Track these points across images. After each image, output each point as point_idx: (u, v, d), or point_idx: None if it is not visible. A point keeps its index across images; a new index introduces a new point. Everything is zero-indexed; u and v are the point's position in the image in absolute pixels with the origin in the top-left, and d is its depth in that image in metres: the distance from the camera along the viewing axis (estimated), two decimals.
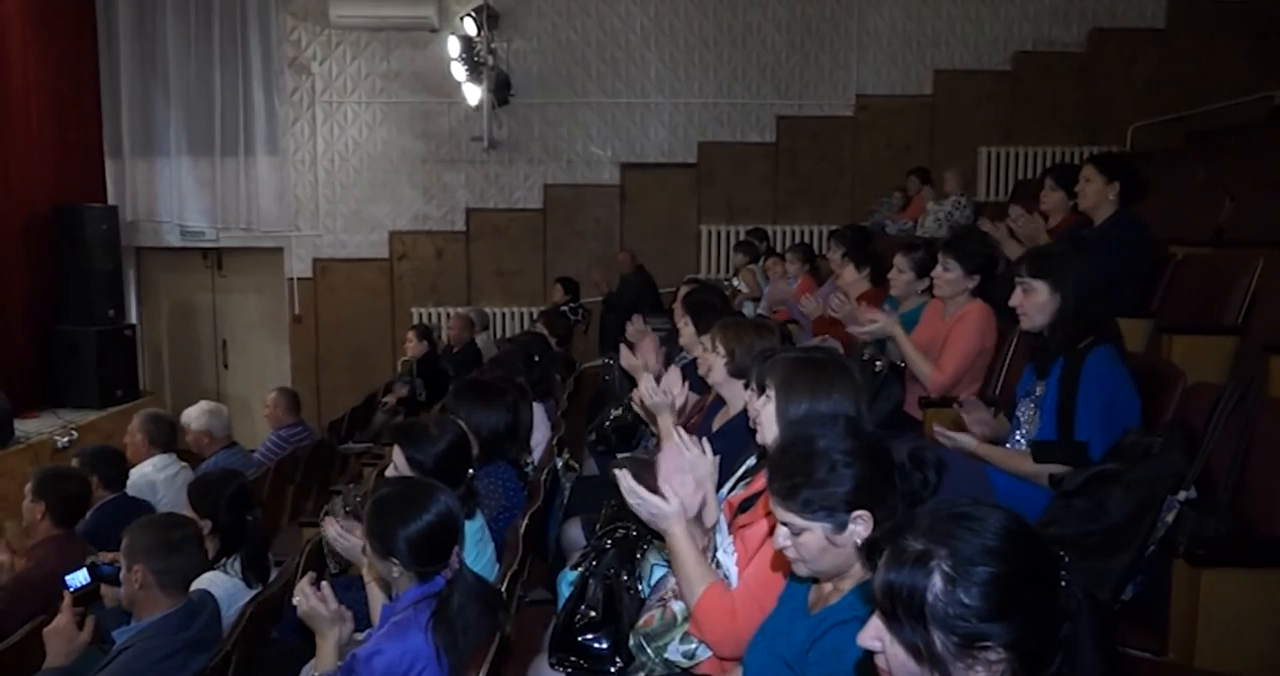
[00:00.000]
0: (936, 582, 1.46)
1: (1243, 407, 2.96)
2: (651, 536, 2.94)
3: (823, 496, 2.00)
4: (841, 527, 2.01)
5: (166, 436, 5.79)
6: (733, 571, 2.63)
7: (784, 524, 2.05)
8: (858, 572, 2.05)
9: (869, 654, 1.58)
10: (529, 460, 4.41)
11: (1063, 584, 1.50)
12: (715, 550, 2.74)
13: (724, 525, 2.75)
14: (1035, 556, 1.50)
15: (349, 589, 3.78)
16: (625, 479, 2.65)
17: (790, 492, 2.03)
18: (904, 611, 1.49)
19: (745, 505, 2.70)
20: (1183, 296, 4.51)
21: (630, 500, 2.64)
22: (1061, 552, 1.54)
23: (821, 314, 5.76)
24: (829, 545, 2.02)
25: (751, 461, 2.99)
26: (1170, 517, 2.80)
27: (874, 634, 1.55)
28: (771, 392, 2.62)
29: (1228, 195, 5.56)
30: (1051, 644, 1.48)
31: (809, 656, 2.03)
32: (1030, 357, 3.61)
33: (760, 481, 2.75)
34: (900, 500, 2.04)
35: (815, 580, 2.16)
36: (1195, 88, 10.48)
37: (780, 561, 2.27)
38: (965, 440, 3.51)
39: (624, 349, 5.94)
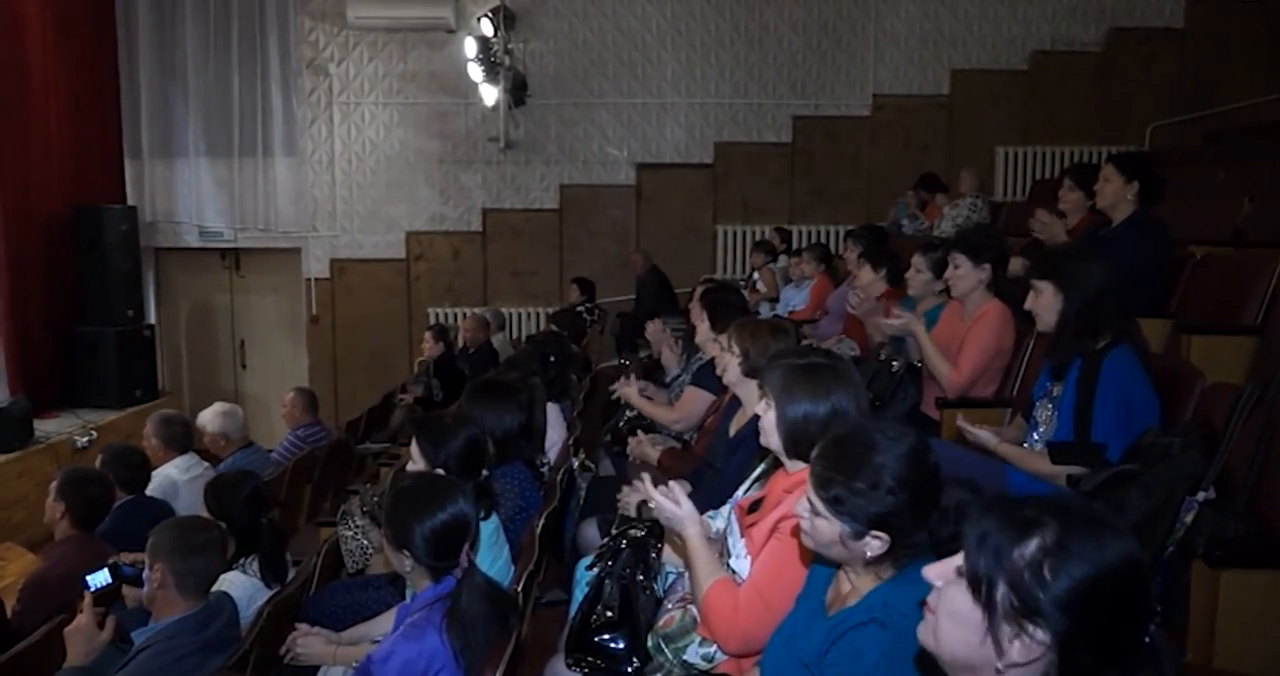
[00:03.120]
0: (1031, 544, 1.43)
1: (1262, 408, 2.95)
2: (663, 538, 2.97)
3: (853, 504, 1.98)
4: (858, 536, 1.99)
5: (181, 437, 5.79)
6: (746, 575, 2.63)
7: (809, 499, 2.05)
8: (877, 574, 2.05)
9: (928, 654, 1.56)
10: (544, 460, 4.41)
11: (1147, 639, 1.46)
12: (729, 556, 2.74)
13: (735, 528, 2.76)
14: (1135, 593, 1.46)
15: (365, 588, 3.81)
16: (646, 483, 2.77)
17: (824, 484, 2.01)
18: (988, 549, 1.46)
19: (753, 508, 2.71)
20: (1201, 296, 4.50)
21: (650, 504, 2.73)
22: (1159, 608, 1.51)
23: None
24: (839, 542, 2.02)
25: (764, 467, 2.99)
26: (1189, 518, 2.79)
27: (939, 573, 1.53)
28: (771, 399, 2.62)
29: (1247, 195, 5.54)
30: (1102, 669, 1.46)
31: (827, 657, 2.02)
32: (1047, 357, 3.61)
33: (770, 486, 2.75)
34: (925, 537, 2.02)
35: (838, 567, 2.15)
36: (1214, 87, 10.43)
37: (803, 552, 2.28)
38: (986, 436, 3.51)
39: (649, 324, 6.06)
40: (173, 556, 3.31)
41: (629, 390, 5.43)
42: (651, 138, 11.31)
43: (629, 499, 3.77)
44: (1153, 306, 4.39)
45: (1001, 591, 1.45)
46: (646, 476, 2.80)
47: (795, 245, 10.20)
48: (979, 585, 1.46)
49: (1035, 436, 3.53)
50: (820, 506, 2.02)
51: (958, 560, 1.51)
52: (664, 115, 11.29)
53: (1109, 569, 1.42)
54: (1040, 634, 1.43)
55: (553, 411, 5.20)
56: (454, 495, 2.90)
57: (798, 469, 2.56)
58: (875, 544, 1.99)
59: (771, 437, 2.64)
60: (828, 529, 2.02)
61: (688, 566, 2.69)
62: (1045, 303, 3.48)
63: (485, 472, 3.70)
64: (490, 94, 10.63)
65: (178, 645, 3.24)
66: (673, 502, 2.68)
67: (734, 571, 2.68)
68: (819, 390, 2.57)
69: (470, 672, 2.67)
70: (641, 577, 2.88)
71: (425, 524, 2.80)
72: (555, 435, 5.00)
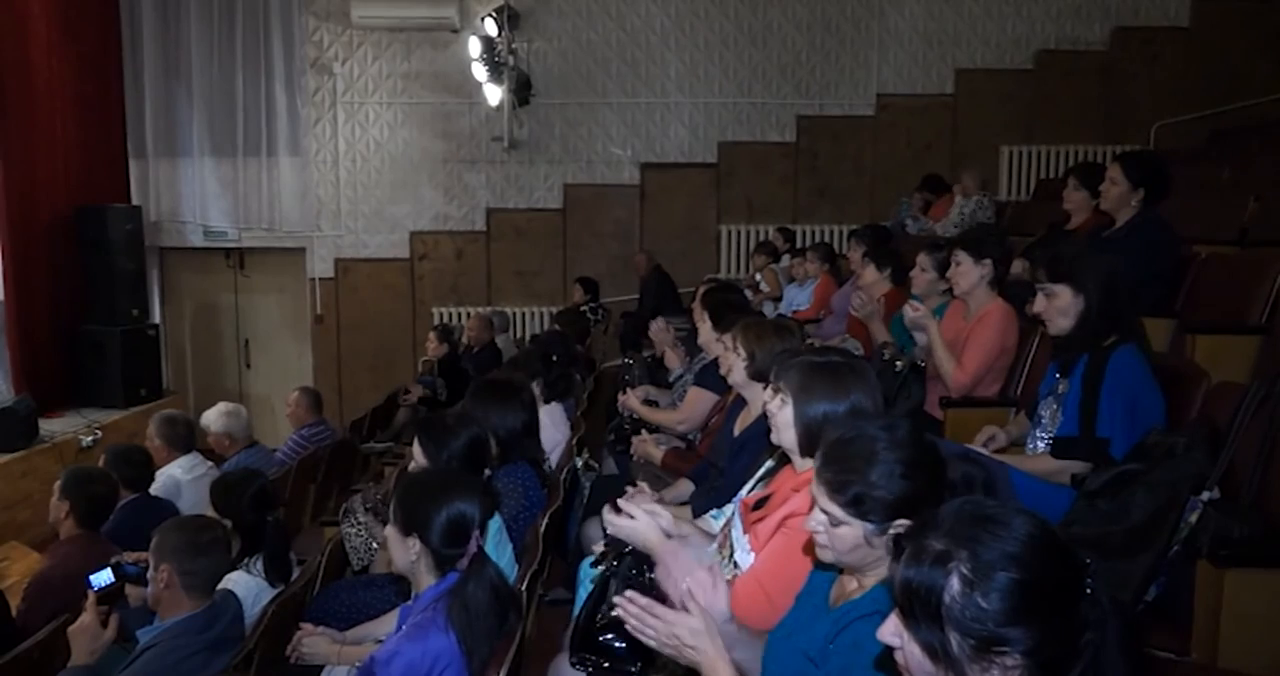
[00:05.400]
0: (954, 584, 1.45)
1: (1266, 407, 2.94)
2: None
3: (873, 500, 1.99)
4: (882, 532, 2.00)
5: (184, 437, 5.79)
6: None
7: (824, 511, 2.04)
8: (881, 569, 2.05)
9: (889, 649, 1.57)
10: (545, 460, 4.41)
11: (1088, 591, 1.49)
12: (733, 551, 2.74)
13: (739, 524, 2.76)
14: (1059, 565, 1.48)
15: (369, 587, 3.81)
16: (631, 617, 2.28)
17: (840, 488, 2.01)
18: (920, 610, 1.48)
19: (759, 505, 2.71)
20: (1206, 296, 4.49)
21: (651, 642, 2.19)
22: (1087, 559, 1.53)
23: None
24: (864, 544, 2.02)
25: (770, 464, 2.99)
26: (1193, 518, 2.79)
27: (893, 630, 1.54)
28: (788, 397, 2.61)
29: (1252, 194, 5.53)
30: (1071, 650, 1.47)
31: (830, 647, 2.03)
32: (1054, 355, 3.60)
33: (776, 483, 2.75)
34: None
35: (840, 570, 2.15)
36: (1219, 86, 10.41)
37: (808, 549, 2.27)
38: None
39: (653, 324, 6.06)
40: (179, 556, 3.32)
41: (632, 401, 5.44)
42: (655, 137, 11.31)
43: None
44: (1158, 306, 4.38)
45: (955, 642, 1.46)
46: (611, 519, 2.65)
47: (799, 244, 10.18)
48: (933, 649, 1.48)
49: (1039, 434, 3.53)
50: (839, 513, 2.01)
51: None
52: (668, 115, 11.28)
53: (1023, 560, 1.45)
54: (1009, 659, 1.45)
55: (556, 411, 5.20)
56: (467, 485, 2.96)
57: (807, 467, 2.55)
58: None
59: (785, 435, 2.63)
60: (850, 534, 2.01)
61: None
62: (1061, 305, 3.44)
63: (488, 472, 3.70)
64: (494, 94, 10.62)
65: (183, 644, 3.25)
66: (626, 519, 2.61)
67: (738, 566, 2.68)
68: (838, 389, 2.56)
69: (472, 664, 2.67)
70: (650, 576, 2.87)
71: (442, 509, 2.83)
72: (559, 435, 5.01)
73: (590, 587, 2.98)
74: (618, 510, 2.69)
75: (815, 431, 2.53)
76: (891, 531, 1.98)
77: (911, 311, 4.54)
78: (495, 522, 3.44)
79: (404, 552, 2.88)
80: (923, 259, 5.01)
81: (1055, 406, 3.48)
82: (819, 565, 2.22)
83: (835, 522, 2.02)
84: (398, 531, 2.88)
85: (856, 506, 2.00)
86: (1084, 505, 3.00)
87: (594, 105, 11.25)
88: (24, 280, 9.40)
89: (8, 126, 9.24)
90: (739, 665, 2.05)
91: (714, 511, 3.40)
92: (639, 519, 2.64)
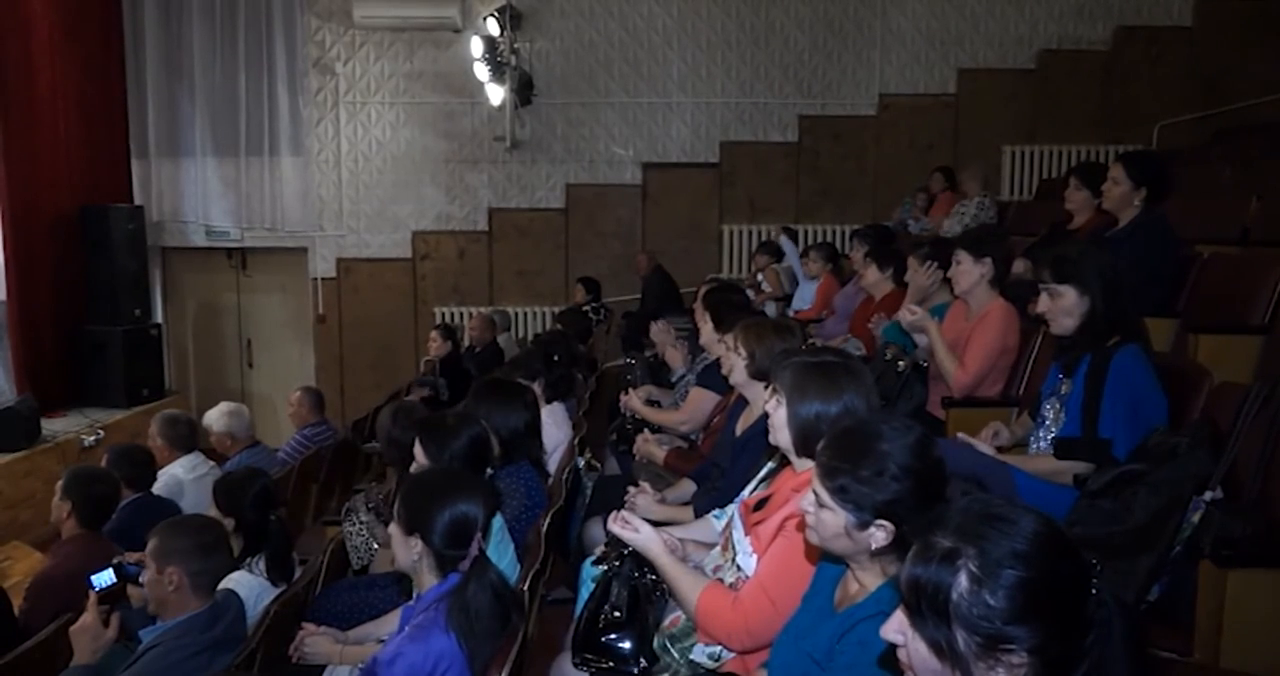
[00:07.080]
0: (962, 581, 1.46)
1: (1269, 407, 2.94)
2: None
3: (858, 493, 2.00)
4: (862, 526, 2.01)
5: (186, 437, 5.79)
6: (753, 571, 2.63)
7: (815, 492, 2.06)
8: (874, 568, 2.06)
9: (892, 647, 1.58)
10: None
11: (1093, 591, 1.49)
12: (735, 554, 2.74)
13: (740, 525, 2.76)
14: (1065, 563, 1.49)
15: (371, 587, 3.81)
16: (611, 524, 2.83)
17: (830, 473, 2.04)
18: (928, 607, 1.48)
19: (759, 506, 2.71)
20: (1209, 296, 4.48)
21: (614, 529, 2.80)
22: (1094, 560, 1.53)
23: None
24: (844, 534, 2.03)
25: (771, 465, 2.99)
26: (1196, 518, 2.79)
27: (897, 627, 1.55)
28: (782, 397, 2.61)
29: (1254, 194, 5.52)
30: (1076, 650, 1.47)
31: (835, 649, 2.03)
32: (1057, 355, 3.60)
33: (777, 484, 2.75)
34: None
35: (845, 565, 2.16)
36: (1222, 86, 10.38)
37: (810, 551, 2.28)
38: (984, 449, 3.49)
39: (653, 325, 6.04)
40: (189, 558, 3.30)
41: (634, 401, 5.44)
42: (657, 137, 11.30)
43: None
44: (1160, 306, 4.38)
45: (961, 639, 1.47)
46: (616, 530, 2.79)
47: (802, 244, 10.16)
48: (939, 647, 1.49)
49: (1041, 433, 3.52)
50: (826, 497, 2.04)
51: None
52: (670, 115, 11.28)
53: (1030, 558, 1.46)
54: (1014, 657, 1.46)
55: (558, 411, 5.20)
56: (471, 486, 2.95)
57: (806, 467, 2.55)
58: (880, 534, 2.00)
59: (781, 435, 2.64)
60: (833, 520, 2.03)
61: (669, 585, 2.71)
62: (1066, 305, 3.43)
63: (490, 471, 3.70)
64: (496, 93, 10.61)
65: (185, 643, 3.24)
66: (632, 531, 2.70)
67: (740, 568, 2.68)
68: (831, 389, 2.56)
69: (473, 663, 2.68)
70: (652, 577, 2.88)
71: (445, 510, 2.83)
72: (561, 435, 5.00)
73: (592, 587, 2.99)
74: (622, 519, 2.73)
75: (809, 431, 2.54)
76: (873, 528, 2.00)
77: (909, 315, 4.54)
78: (497, 522, 3.44)
79: (406, 551, 2.88)
80: (912, 260, 5.03)
81: (1058, 406, 3.47)
82: (824, 557, 2.23)
83: (821, 505, 2.05)
84: (401, 530, 2.89)
85: (841, 494, 2.02)
86: (1086, 505, 3.00)
87: (596, 105, 11.25)
88: (27, 280, 9.41)
89: (10, 126, 9.25)
90: None
91: (716, 511, 3.40)
92: (642, 531, 2.67)
